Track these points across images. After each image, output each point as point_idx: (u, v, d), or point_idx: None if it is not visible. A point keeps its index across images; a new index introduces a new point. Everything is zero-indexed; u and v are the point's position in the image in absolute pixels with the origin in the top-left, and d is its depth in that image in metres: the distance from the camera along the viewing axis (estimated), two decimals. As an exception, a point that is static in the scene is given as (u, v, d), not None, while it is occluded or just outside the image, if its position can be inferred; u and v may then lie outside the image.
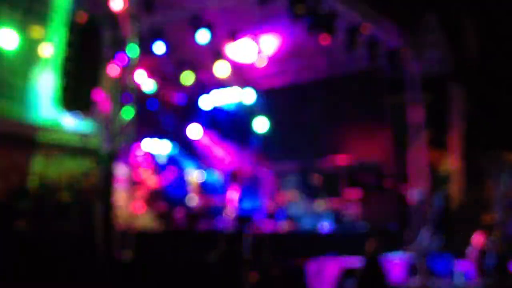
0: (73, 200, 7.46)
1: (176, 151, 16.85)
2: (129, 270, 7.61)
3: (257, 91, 16.75)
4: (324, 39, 11.57)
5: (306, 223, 12.85)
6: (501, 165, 15.79)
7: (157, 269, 7.77)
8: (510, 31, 15.62)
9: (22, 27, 7.62)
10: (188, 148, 17.12)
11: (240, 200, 12.36)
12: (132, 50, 8.61)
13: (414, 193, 11.23)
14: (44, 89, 7.76)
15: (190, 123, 17.62)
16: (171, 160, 16.33)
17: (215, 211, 12.86)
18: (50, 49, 7.91)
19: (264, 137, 16.40)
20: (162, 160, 16.07)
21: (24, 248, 7.18)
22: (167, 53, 13.97)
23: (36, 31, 7.83)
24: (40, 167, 7.16)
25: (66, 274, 7.15)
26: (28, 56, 7.74)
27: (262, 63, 14.07)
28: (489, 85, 15.98)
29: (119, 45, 8.24)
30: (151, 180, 11.93)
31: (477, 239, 9.26)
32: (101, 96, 8.26)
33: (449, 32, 14.00)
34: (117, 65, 8.27)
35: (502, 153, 15.95)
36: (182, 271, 7.88)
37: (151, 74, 15.44)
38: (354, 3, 11.27)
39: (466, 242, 9.36)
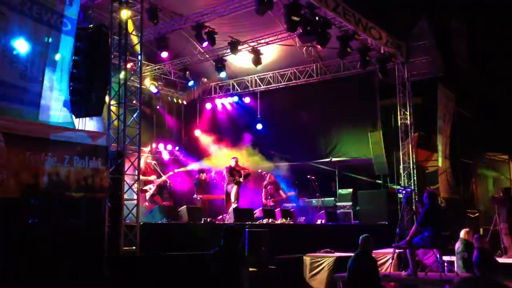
0: (83, 197, 7.71)
1: (180, 151, 17.23)
2: (134, 264, 7.90)
3: (255, 93, 17.17)
4: (318, 46, 11.96)
5: (302, 219, 13.20)
6: (486, 165, 16.19)
7: (160, 264, 8.05)
8: (498, 37, 16.01)
9: (33, 34, 7.88)
10: (191, 147, 17.48)
11: (239, 196, 12.63)
12: (138, 57, 9.00)
13: (404, 191, 11.52)
14: (55, 92, 8.06)
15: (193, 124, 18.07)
16: (176, 159, 16.69)
17: (217, 207, 13.17)
18: (60, 55, 8.20)
19: (262, 137, 16.80)
20: (167, 159, 16.45)
21: (34, 243, 7.43)
22: (170, 59, 14.37)
23: (47, 38, 8.11)
24: (51, 166, 7.34)
25: (75, 268, 7.40)
26: (39, 61, 7.99)
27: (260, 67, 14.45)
28: (477, 88, 16.36)
29: (126, 52, 8.61)
30: (157, 177, 12.18)
31: (464, 234, 9.49)
32: (109, 99, 8.63)
33: (440, 38, 14.33)
34: (124, 70, 8.64)
35: (486, 153, 16.36)
36: (184, 265, 8.16)
37: (156, 79, 15.87)
38: (346, 11, 11.66)
39: (454, 237, 9.63)
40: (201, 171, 14.13)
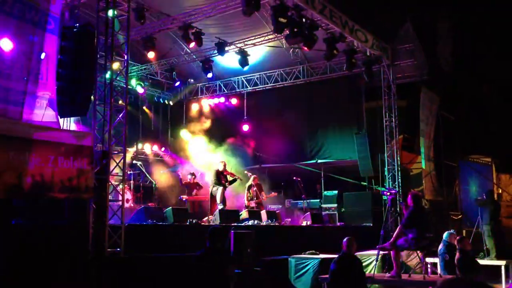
0: (67, 198, 7.63)
1: (166, 151, 17.15)
2: (119, 266, 7.84)
3: (242, 94, 17.19)
4: (305, 48, 12.01)
5: (288, 221, 13.20)
6: (469, 167, 16.37)
7: (145, 265, 8.00)
8: (484, 41, 16.22)
9: (17, 33, 7.79)
10: (177, 148, 17.43)
11: (225, 198, 12.60)
12: (124, 56, 8.94)
13: (388, 193, 11.62)
14: (40, 91, 7.98)
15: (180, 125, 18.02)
16: (161, 159, 16.62)
17: (203, 208, 13.14)
18: (45, 53, 8.13)
19: (248, 138, 16.82)
20: (152, 159, 16.38)
21: (17, 244, 7.33)
22: (157, 59, 14.33)
23: (32, 37, 8.03)
24: (35, 166, 7.26)
25: (58, 270, 7.32)
26: (23, 60, 7.91)
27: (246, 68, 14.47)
28: (461, 92, 16.56)
29: (112, 52, 8.54)
30: (143, 178, 12.07)
31: (447, 236, 9.58)
32: (94, 99, 8.55)
33: (424, 41, 14.46)
34: (110, 70, 8.57)
35: (470, 156, 16.56)
36: (170, 266, 8.13)
37: (142, 79, 15.80)
38: (333, 14, 11.71)
39: (437, 239, 9.72)
40: (192, 173, 14.09)
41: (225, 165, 13.07)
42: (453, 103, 16.35)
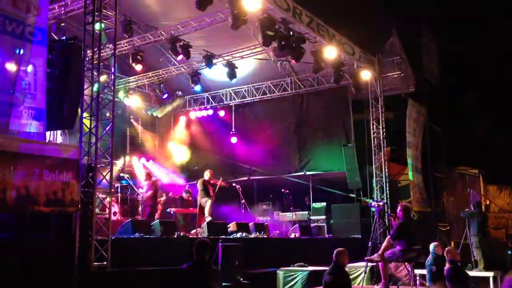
0: (52, 212, 7.54)
1: (154, 164, 17.07)
2: (105, 280, 7.74)
3: (230, 106, 17.20)
4: (293, 60, 12.09)
5: (276, 233, 13.16)
6: (457, 179, 16.49)
7: (132, 279, 7.90)
8: (469, 54, 16.42)
9: (2, 46, 7.74)
10: (165, 160, 17.35)
11: (213, 210, 12.52)
12: (112, 69, 8.89)
13: (376, 205, 11.63)
14: (26, 102, 7.92)
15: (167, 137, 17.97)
16: (149, 172, 16.51)
17: (191, 221, 13.07)
18: (32, 65, 8.07)
19: (237, 151, 16.80)
20: (141, 172, 16.27)
21: (2, 259, 7.24)
22: (144, 72, 14.32)
23: (18, 50, 7.98)
24: (20, 179, 7.18)
25: (44, 284, 7.22)
26: (9, 72, 7.86)
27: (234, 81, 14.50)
28: (448, 103, 16.72)
29: (99, 64, 8.50)
30: (130, 191, 11.95)
31: (434, 247, 9.60)
32: (81, 112, 8.49)
33: (411, 54, 14.60)
34: (97, 83, 8.52)
35: (457, 168, 16.68)
36: (157, 280, 8.04)
37: (130, 92, 15.77)
38: (320, 27, 11.79)
39: (425, 250, 9.73)
40: (187, 191, 13.95)
41: (211, 174, 12.96)
42: (440, 115, 16.48)
